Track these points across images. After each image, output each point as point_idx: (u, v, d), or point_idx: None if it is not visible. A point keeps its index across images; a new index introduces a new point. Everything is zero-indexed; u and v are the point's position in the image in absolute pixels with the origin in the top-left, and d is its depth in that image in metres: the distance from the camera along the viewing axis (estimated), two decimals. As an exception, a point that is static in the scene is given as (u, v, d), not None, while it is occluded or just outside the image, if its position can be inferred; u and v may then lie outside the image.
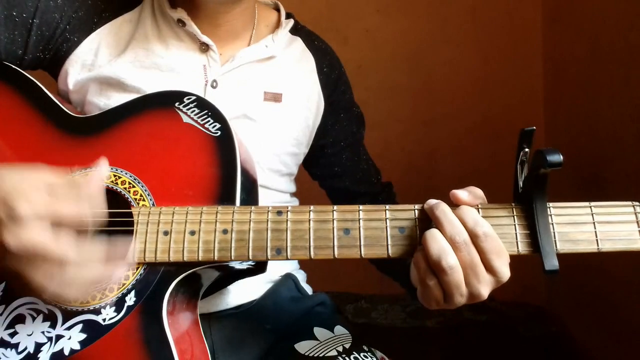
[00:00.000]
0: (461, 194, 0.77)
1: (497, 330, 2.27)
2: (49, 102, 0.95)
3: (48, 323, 0.80)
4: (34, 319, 0.81)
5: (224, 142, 0.87)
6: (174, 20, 1.05)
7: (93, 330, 0.79)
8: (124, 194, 0.85)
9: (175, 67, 1.04)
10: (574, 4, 2.25)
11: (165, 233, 0.81)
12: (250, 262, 0.87)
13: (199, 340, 0.88)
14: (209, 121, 0.88)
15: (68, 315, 0.81)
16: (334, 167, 1.24)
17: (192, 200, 0.84)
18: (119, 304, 0.80)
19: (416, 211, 0.78)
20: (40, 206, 0.70)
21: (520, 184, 0.76)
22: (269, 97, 1.09)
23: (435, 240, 0.73)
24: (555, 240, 0.74)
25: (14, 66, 0.99)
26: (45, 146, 0.91)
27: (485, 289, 0.74)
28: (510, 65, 2.58)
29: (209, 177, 0.85)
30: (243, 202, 0.84)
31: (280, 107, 1.10)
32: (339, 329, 1.06)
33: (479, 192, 0.78)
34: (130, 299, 0.80)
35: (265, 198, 1.07)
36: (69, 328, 0.80)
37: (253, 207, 0.81)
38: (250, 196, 0.89)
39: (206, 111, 0.89)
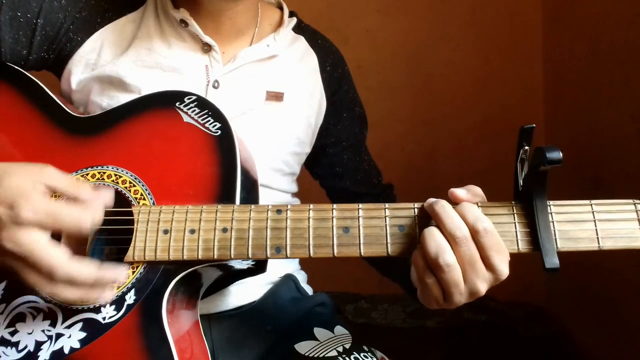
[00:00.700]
0: (460, 192, 0.77)
1: (497, 330, 2.27)
2: (51, 103, 0.95)
3: (48, 322, 0.80)
4: (34, 317, 0.81)
5: (224, 142, 0.87)
6: (177, 21, 1.05)
7: (93, 329, 0.79)
8: (125, 193, 0.85)
9: (177, 67, 1.04)
10: (574, 4, 2.25)
11: (165, 232, 0.81)
12: (250, 262, 0.87)
13: (199, 340, 0.88)
14: (209, 121, 0.88)
15: (68, 313, 0.81)
16: (335, 167, 1.24)
17: (193, 199, 0.84)
18: (118, 302, 0.80)
19: (416, 209, 0.78)
20: (42, 213, 0.70)
21: (520, 181, 0.76)
22: (271, 96, 1.09)
23: (433, 238, 0.73)
24: (555, 238, 0.74)
25: (16, 67, 0.99)
26: (47, 146, 0.91)
27: (483, 286, 0.74)
28: (510, 65, 2.59)
29: (209, 176, 0.85)
30: (243, 201, 0.84)
31: (282, 106, 1.10)
32: (339, 329, 1.06)
33: (478, 190, 0.78)
34: (130, 298, 0.80)
35: (267, 198, 1.07)
36: (69, 326, 0.80)
37: (253, 206, 0.81)
38: (251, 195, 0.89)
39: (206, 111, 0.89)
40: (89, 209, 0.74)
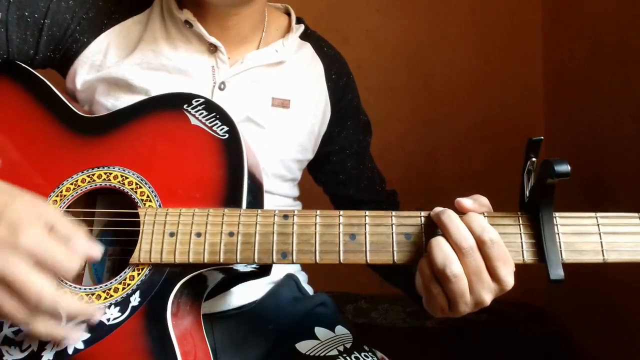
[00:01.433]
0: (466, 202, 0.77)
1: (497, 330, 2.27)
2: (58, 102, 0.95)
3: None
4: (38, 317, 0.81)
5: (232, 145, 0.87)
6: (182, 22, 1.04)
7: (97, 330, 0.79)
8: (131, 195, 0.85)
9: (183, 69, 1.04)
10: (574, 4, 2.25)
11: (172, 234, 0.81)
12: (254, 265, 0.87)
13: (201, 341, 0.89)
14: (217, 124, 0.88)
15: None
16: (339, 175, 1.24)
17: (199, 202, 0.84)
18: (123, 304, 0.80)
19: (422, 217, 0.78)
20: (39, 244, 0.70)
21: (527, 193, 0.76)
22: (277, 103, 1.09)
23: (440, 248, 0.73)
24: (560, 250, 0.74)
25: (23, 65, 0.99)
26: (54, 145, 0.91)
27: (488, 296, 0.74)
28: (510, 65, 2.58)
29: (216, 180, 0.85)
30: (249, 205, 0.84)
31: (288, 113, 1.10)
32: (339, 329, 1.07)
33: (484, 200, 0.79)
34: (135, 300, 0.80)
35: (269, 202, 1.07)
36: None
37: (259, 211, 0.81)
38: (257, 199, 0.89)
39: (214, 114, 0.89)
40: (78, 257, 0.74)
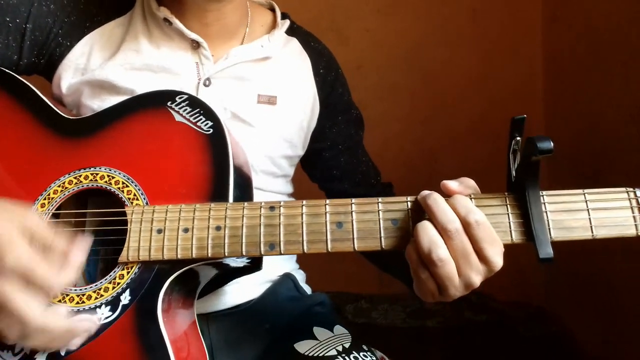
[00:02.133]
0: (452, 184, 0.77)
1: (497, 330, 2.27)
2: (43, 105, 0.95)
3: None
4: (29, 319, 0.80)
5: (216, 140, 0.87)
6: (161, 19, 1.05)
7: (89, 331, 0.79)
8: (118, 194, 0.85)
9: (167, 67, 1.04)
10: (574, 4, 2.25)
11: (159, 231, 0.81)
12: (245, 260, 0.87)
13: (196, 339, 0.88)
14: (201, 119, 0.88)
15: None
16: (333, 170, 1.23)
17: (186, 198, 0.84)
18: (114, 303, 0.80)
19: (409, 203, 0.78)
20: (24, 263, 0.70)
21: (513, 172, 0.76)
22: (263, 99, 1.09)
23: (426, 233, 0.73)
24: (549, 228, 0.74)
25: (7, 70, 0.99)
26: (40, 149, 0.91)
27: (477, 278, 0.74)
28: (510, 65, 2.59)
29: (202, 175, 0.85)
30: (237, 199, 0.84)
31: (274, 109, 1.10)
32: (338, 329, 1.06)
33: (470, 182, 0.78)
34: (125, 298, 0.80)
35: (261, 200, 1.07)
36: (64, 328, 0.80)
37: (246, 203, 0.81)
38: (245, 193, 0.89)
39: (198, 109, 0.89)
40: (64, 272, 0.73)
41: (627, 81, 1.81)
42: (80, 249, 0.75)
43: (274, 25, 1.15)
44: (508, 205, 0.75)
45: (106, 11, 1.07)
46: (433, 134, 2.61)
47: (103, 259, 0.92)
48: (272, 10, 1.19)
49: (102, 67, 1.03)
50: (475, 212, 0.72)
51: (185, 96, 0.90)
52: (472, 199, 0.76)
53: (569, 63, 2.32)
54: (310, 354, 0.97)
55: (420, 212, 0.76)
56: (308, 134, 1.17)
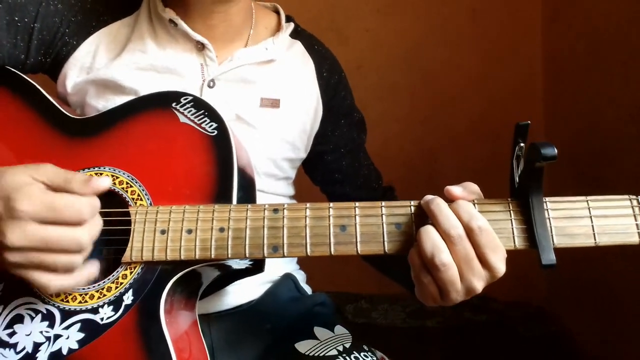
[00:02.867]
0: (455, 189, 0.77)
1: (497, 330, 2.28)
2: (48, 105, 0.95)
3: (46, 323, 0.81)
4: (32, 318, 0.81)
5: (221, 141, 0.87)
6: (167, 21, 1.05)
7: (91, 330, 0.80)
8: (122, 194, 0.85)
9: (172, 68, 1.05)
10: (574, 4, 2.25)
11: (163, 232, 0.81)
12: (248, 261, 0.87)
13: (198, 340, 0.89)
14: (205, 121, 0.88)
15: (66, 314, 0.81)
16: (335, 174, 1.24)
17: (190, 199, 0.84)
18: (116, 303, 0.80)
19: (412, 207, 0.78)
20: (39, 205, 0.71)
21: (516, 178, 0.76)
22: (266, 103, 1.09)
23: (429, 237, 0.73)
24: (552, 235, 0.74)
25: (12, 69, 0.99)
26: (44, 148, 0.91)
27: (479, 284, 0.74)
28: (510, 65, 2.59)
29: (206, 176, 0.85)
30: (240, 201, 0.84)
31: (278, 112, 1.10)
32: (339, 329, 1.06)
33: (474, 187, 0.78)
34: (128, 298, 0.80)
35: (263, 202, 1.06)
36: (67, 327, 0.80)
37: (250, 205, 0.81)
38: (248, 195, 0.89)
39: (203, 111, 0.89)
40: (85, 197, 0.74)
41: (627, 81, 1.81)
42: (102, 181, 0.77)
43: (278, 28, 1.15)
44: (511, 211, 0.76)
45: (112, 11, 1.07)
46: (433, 134, 2.61)
47: (105, 258, 0.92)
48: (277, 12, 1.19)
49: (107, 66, 1.04)
50: (478, 218, 0.73)
51: (190, 97, 0.90)
52: (476, 205, 0.76)
53: (569, 63, 2.32)
54: (310, 354, 0.98)
55: (424, 216, 0.76)
56: (311, 137, 1.17)
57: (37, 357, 0.79)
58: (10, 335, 0.80)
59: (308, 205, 0.80)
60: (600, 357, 2.03)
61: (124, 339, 0.79)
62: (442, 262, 0.72)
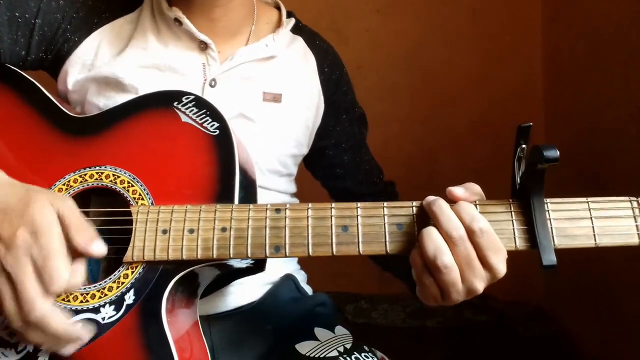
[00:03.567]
0: (457, 190, 0.77)
1: (497, 330, 2.28)
2: (49, 103, 0.95)
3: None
4: (33, 318, 0.81)
5: (222, 141, 0.87)
6: (172, 20, 1.05)
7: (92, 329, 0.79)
8: (123, 193, 0.85)
9: (174, 66, 1.04)
10: (574, 4, 2.25)
11: (164, 231, 0.81)
12: (249, 261, 0.87)
13: (199, 339, 0.89)
14: (207, 120, 0.88)
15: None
16: (336, 169, 1.24)
17: (191, 199, 0.84)
18: (118, 302, 0.80)
19: (414, 208, 0.78)
20: (50, 246, 0.71)
21: (518, 179, 0.76)
22: (268, 97, 1.09)
23: (431, 239, 0.73)
24: (552, 236, 0.74)
25: (12, 67, 0.99)
26: (45, 147, 0.91)
27: (480, 285, 0.74)
28: (510, 65, 2.59)
29: (208, 176, 0.85)
30: (242, 201, 0.84)
31: (280, 107, 1.10)
32: (339, 329, 1.06)
33: (476, 188, 0.78)
34: (130, 298, 0.80)
35: (265, 199, 1.07)
36: (68, 327, 0.80)
37: (252, 205, 0.81)
38: (249, 194, 0.89)
39: (204, 110, 0.89)
40: (75, 272, 0.74)
41: (627, 81, 1.82)
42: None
43: (279, 24, 1.15)
44: (512, 212, 0.76)
45: (114, 8, 1.07)
46: (433, 133, 2.61)
47: (106, 258, 0.92)
48: (278, 8, 1.19)
49: (109, 63, 1.03)
50: (480, 220, 0.73)
51: (192, 97, 0.90)
52: (477, 206, 0.76)
53: (569, 63, 2.32)
54: (311, 355, 0.98)
55: (426, 217, 0.77)
56: (313, 132, 1.17)
57: (38, 357, 0.79)
58: (11, 335, 0.80)
59: (310, 205, 0.80)
60: (600, 357, 2.03)
61: (125, 338, 0.79)
62: (445, 264, 0.72)
